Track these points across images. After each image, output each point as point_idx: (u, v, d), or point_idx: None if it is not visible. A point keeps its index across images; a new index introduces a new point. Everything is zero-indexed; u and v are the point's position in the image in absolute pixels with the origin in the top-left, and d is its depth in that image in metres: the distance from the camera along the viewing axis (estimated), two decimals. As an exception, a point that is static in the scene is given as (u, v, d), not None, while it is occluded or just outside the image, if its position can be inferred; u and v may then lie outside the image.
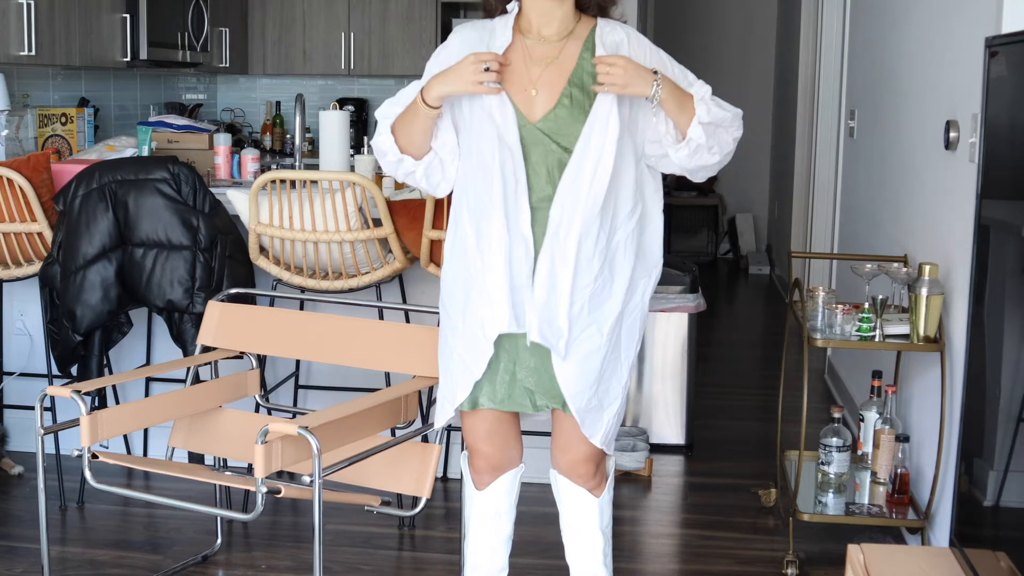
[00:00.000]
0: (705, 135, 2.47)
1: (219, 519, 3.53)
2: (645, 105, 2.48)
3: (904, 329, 3.22)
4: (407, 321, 3.74)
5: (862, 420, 3.62)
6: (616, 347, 2.54)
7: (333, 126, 4.05)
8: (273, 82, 7.50)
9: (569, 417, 2.58)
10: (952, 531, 2.50)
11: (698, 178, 2.61)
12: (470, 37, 2.53)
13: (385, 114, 2.56)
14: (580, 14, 2.52)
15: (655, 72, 2.42)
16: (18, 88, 5.12)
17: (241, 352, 3.28)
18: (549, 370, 2.53)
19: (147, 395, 4.15)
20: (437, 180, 2.58)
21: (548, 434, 3.70)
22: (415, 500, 3.10)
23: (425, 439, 3.38)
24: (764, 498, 3.91)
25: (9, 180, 3.66)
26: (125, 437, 4.20)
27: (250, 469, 2.81)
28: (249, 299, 3.54)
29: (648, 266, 2.58)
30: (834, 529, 3.58)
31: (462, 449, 2.85)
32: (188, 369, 3.25)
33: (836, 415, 3.51)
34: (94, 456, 2.86)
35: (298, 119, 4.25)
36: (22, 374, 4.25)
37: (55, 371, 3.82)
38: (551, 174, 2.45)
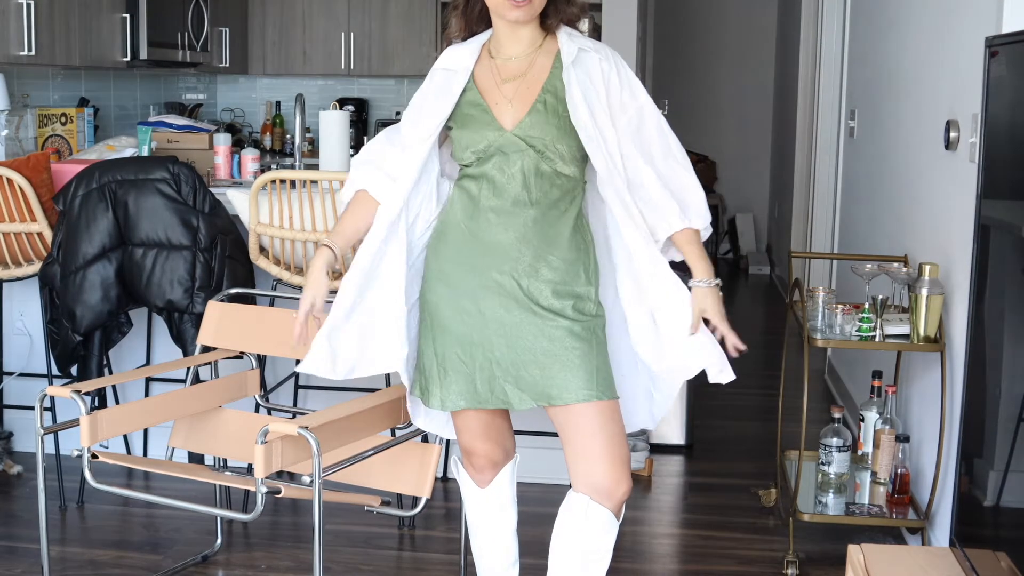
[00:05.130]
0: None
1: (219, 519, 3.53)
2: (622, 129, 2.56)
3: (904, 329, 3.22)
4: (407, 321, 3.73)
5: (862, 420, 3.62)
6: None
7: (333, 126, 4.05)
8: (273, 82, 7.50)
9: (581, 415, 2.50)
10: (952, 531, 2.50)
11: None
12: (440, 80, 2.61)
13: (354, 179, 2.68)
14: (545, 32, 2.58)
15: (713, 280, 2.59)
16: (18, 88, 5.12)
17: (241, 352, 3.28)
18: (530, 367, 2.51)
19: (147, 395, 4.15)
20: None
21: (548, 434, 3.71)
22: (415, 500, 3.10)
23: (425, 439, 3.38)
24: (764, 498, 3.91)
25: (9, 180, 3.67)
26: (125, 437, 4.20)
27: (250, 469, 2.81)
28: (249, 299, 3.54)
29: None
30: (834, 529, 3.59)
31: (447, 454, 2.85)
32: (188, 369, 3.25)
33: (836, 415, 3.51)
34: (94, 456, 2.86)
35: (298, 119, 4.25)
36: (22, 374, 4.25)
37: (55, 371, 3.82)
38: (527, 179, 2.50)
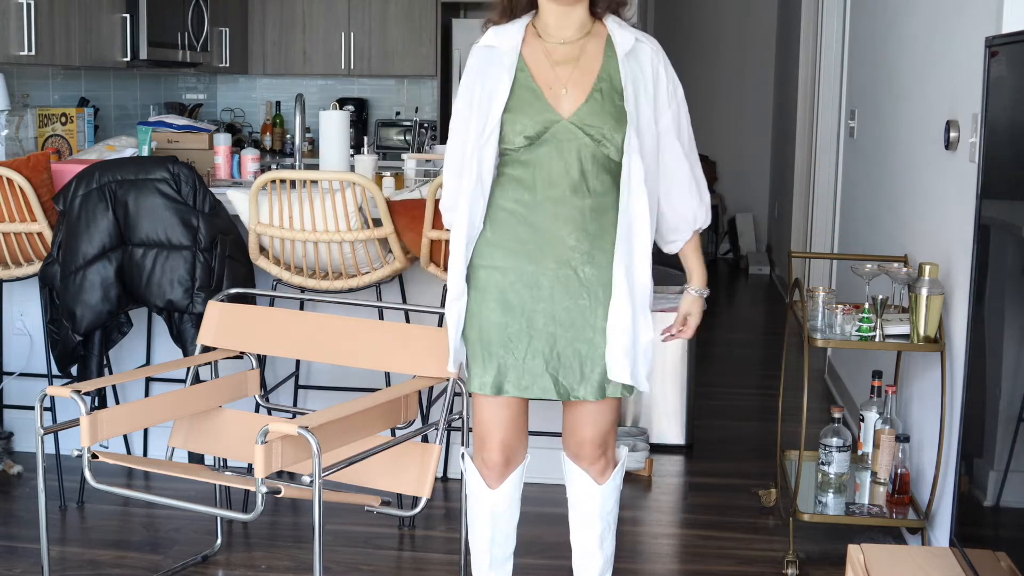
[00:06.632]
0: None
1: (219, 519, 3.53)
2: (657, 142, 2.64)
3: (904, 329, 3.22)
4: (407, 321, 3.74)
5: (862, 420, 3.62)
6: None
7: (333, 126, 4.05)
8: (273, 82, 7.50)
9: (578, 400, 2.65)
10: (952, 531, 2.50)
11: None
12: (483, 58, 2.60)
13: (447, 206, 2.73)
14: (593, 18, 2.61)
15: (702, 292, 2.73)
16: (18, 88, 5.12)
17: (241, 352, 3.28)
18: (580, 354, 2.58)
19: (147, 395, 4.15)
20: None
21: (550, 434, 3.72)
22: (415, 500, 3.10)
23: (425, 439, 3.39)
24: (764, 498, 3.91)
25: (9, 180, 3.67)
26: (125, 437, 4.20)
27: (250, 469, 2.81)
28: (249, 299, 3.54)
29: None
30: (834, 529, 3.59)
31: (464, 445, 2.85)
32: (188, 369, 3.25)
33: (836, 415, 3.51)
34: (94, 456, 2.86)
35: (298, 119, 4.25)
36: (22, 374, 4.25)
37: (55, 371, 3.82)
38: (584, 167, 2.53)
